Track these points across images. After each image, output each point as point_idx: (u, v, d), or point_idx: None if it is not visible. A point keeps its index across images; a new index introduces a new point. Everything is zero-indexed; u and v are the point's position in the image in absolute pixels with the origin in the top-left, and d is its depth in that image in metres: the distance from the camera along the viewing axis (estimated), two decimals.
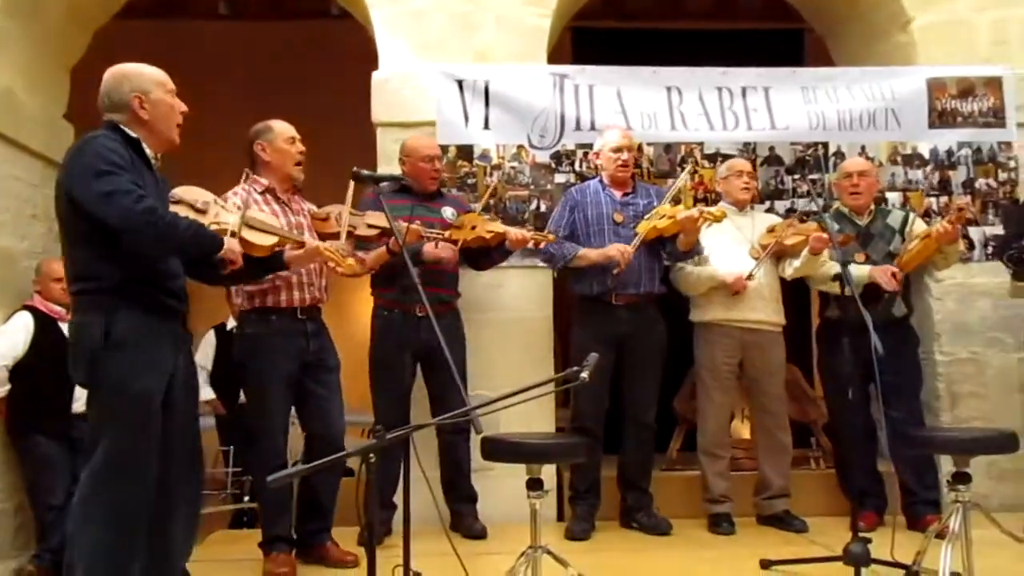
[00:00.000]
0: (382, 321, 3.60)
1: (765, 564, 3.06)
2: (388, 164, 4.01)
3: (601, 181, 3.82)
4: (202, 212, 2.67)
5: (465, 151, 4.12)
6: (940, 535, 2.73)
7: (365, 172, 2.97)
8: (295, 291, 3.16)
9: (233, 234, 2.66)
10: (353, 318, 3.36)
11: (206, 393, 5.09)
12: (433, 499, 2.92)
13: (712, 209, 3.58)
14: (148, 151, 2.55)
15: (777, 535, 3.65)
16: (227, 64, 6.29)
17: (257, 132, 3.23)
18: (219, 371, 5.09)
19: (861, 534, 2.71)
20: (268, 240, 2.85)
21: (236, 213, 2.74)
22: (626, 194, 3.79)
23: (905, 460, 3.67)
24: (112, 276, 2.42)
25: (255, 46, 6.32)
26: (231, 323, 5.18)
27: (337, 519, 3.32)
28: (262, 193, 3.18)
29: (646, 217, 3.68)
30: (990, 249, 4.19)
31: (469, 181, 4.12)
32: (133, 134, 2.51)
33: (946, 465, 3.36)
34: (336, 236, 3.18)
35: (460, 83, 4.12)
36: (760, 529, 3.76)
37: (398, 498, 2.87)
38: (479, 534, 3.57)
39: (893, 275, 3.66)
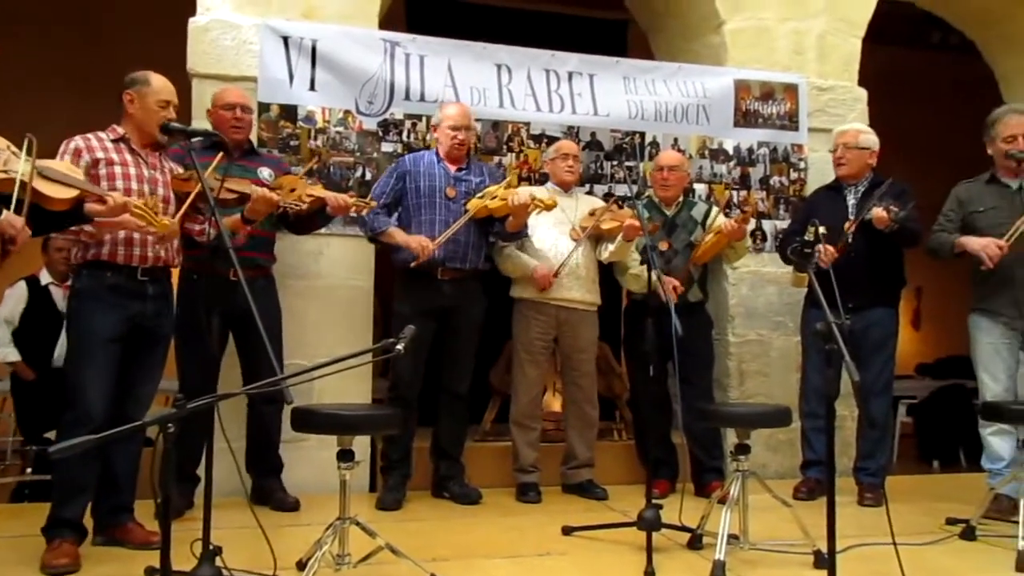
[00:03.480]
0: (189, 284, 3.40)
1: (566, 530, 3.22)
2: (205, 118, 3.80)
3: (436, 153, 3.81)
4: None
5: (289, 111, 3.97)
6: (722, 500, 2.97)
7: (176, 125, 2.79)
8: (135, 248, 2.85)
9: (23, 184, 2.41)
10: None
11: (10, 354, 4.57)
12: (239, 471, 2.82)
13: (544, 197, 3.67)
14: None
15: (580, 503, 3.83)
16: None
17: (132, 80, 2.93)
18: (29, 329, 4.59)
19: (654, 501, 2.87)
20: (66, 193, 2.60)
21: (28, 162, 2.48)
22: (460, 169, 3.80)
23: (695, 432, 3.95)
24: None
25: None
26: (45, 277, 4.70)
27: (137, 492, 3.11)
28: (115, 141, 2.91)
29: (478, 195, 3.71)
30: (779, 241, 4.59)
31: (292, 143, 3.97)
32: None
33: (731, 436, 3.65)
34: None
35: (286, 40, 3.94)
36: (564, 497, 3.93)
37: (202, 470, 2.75)
38: (291, 507, 3.49)
39: (675, 288, 3.83)
